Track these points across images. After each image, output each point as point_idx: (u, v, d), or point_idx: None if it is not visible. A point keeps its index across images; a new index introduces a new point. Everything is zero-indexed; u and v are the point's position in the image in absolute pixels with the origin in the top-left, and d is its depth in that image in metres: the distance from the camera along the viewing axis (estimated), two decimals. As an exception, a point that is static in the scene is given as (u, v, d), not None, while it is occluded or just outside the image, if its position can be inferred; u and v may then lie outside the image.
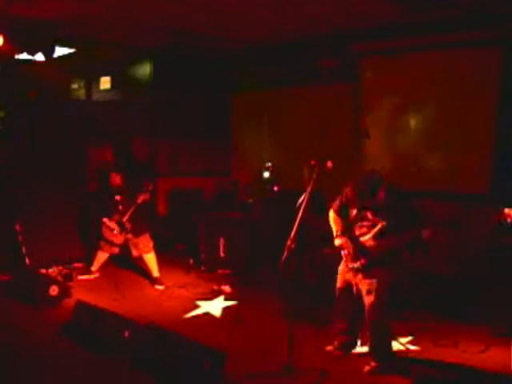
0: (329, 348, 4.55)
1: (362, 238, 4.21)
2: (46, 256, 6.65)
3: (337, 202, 4.42)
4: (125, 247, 6.52)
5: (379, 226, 4.11)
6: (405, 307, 5.25)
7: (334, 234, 4.36)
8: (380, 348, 4.20)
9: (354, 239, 4.24)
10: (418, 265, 5.71)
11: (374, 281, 4.13)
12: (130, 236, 6.38)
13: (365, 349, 4.44)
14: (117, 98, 8.62)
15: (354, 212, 4.28)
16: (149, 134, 8.29)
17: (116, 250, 6.53)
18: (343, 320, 4.48)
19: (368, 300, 4.17)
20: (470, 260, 5.82)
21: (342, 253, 4.32)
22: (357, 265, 4.19)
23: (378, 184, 4.11)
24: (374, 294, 4.13)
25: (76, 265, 6.97)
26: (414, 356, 4.50)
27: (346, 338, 4.51)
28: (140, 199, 6.19)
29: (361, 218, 4.23)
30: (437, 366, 4.31)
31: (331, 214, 4.44)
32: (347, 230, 4.30)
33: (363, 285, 4.21)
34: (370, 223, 4.18)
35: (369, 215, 4.18)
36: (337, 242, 4.32)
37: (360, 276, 4.23)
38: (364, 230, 4.21)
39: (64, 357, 4.42)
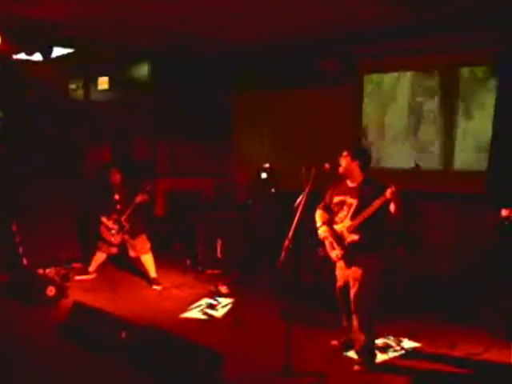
0: (333, 342, 4.65)
1: (342, 223, 4.26)
2: (43, 256, 6.63)
3: (323, 201, 4.55)
4: (123, 248, 6.51)
5: (353, 206, 4.19)
6: (403, 308, 5.26)
7: (318, 225, 4.48)
8: (365, 341, 4.21)
9: (334, 229, 4.35)
10: (417, 265, 5.72)
11: (359, 270, 4.17)
12: (126, 237, 6.38)
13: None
14: (115, 99, 8.62)
15: (336, 200, 4.37)
16: (147, 135, 8.28)
17: (114, 250, 6.52)
18: (345, 319, 4.53)
19: (353, 289, 4.22)
20: (468, 261, 5.82)
21: (326, 243, 4.40)
22: (338, 251, 4.26)
23: (366, 155, 4.33)
24: (358, 282, 4.17)
25: (73, 265, 6.96)
26: (412, 356, 4.50)
27: (348, 337, 4.55)
28: (138, 199, 6.21)
29: (341, 204, 4.32)
30: (434, 366, 4.31)
31: (317, 211, 4.56)
32: (329, 221, 4.42)
33: (350, 275, 4.25)
34: (349, 207, 4.24)
35: (348, 199, 4.26)
36: (320, 231, 4.43)
37: (349, 267, 4.28)
38: (344, 213, 4.27)
39: (61, 357, 4.41)
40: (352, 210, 4.20)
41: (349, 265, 4.29)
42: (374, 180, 4.27)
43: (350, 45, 7.11)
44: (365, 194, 4.16)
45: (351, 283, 4.25)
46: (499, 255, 5.33)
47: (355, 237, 4.17)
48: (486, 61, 6.26)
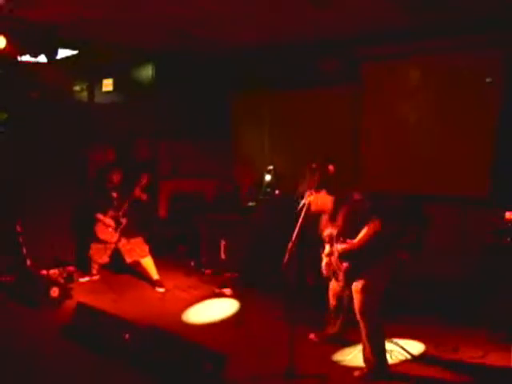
0: (311, 336, 4.81)
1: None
2: (46, 257, 6.65)
3: None
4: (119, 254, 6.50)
5: (335, 232, 4.20)
6: (404, 311, 5.24)
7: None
8: (371, 353, 4.13)
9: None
10: (418, 268, 5.71)
11: (359, 283, 4.12)
12: (123, 241, 6.35)
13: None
14: (119, 100, 8.64)
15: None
16: (151, 136, 8.30)
17: (106, 259, 6.48)
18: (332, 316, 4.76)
19: (355, 301, 4.18)
20: (470, 263, 5.80)
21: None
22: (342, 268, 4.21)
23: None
24: (359, 295, 4.12)
25: (77, 266, 6.96)
26: (416, 360, 4.48)
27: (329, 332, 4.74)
28: (136, 191, 6.22)
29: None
30: (438, 370, 4.28)
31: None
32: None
33: (352, 287, 4.21)
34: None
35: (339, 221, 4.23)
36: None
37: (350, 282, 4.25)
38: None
39: (64, 359, 4.42)
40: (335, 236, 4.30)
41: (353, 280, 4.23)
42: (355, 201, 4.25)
43: (352, 46, 7.11)
44: (350, 221, 4.22)
45: (354, 296, 4.19)
46: (500, 258, 5.31)
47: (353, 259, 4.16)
48: (492, 63, 6.24)
